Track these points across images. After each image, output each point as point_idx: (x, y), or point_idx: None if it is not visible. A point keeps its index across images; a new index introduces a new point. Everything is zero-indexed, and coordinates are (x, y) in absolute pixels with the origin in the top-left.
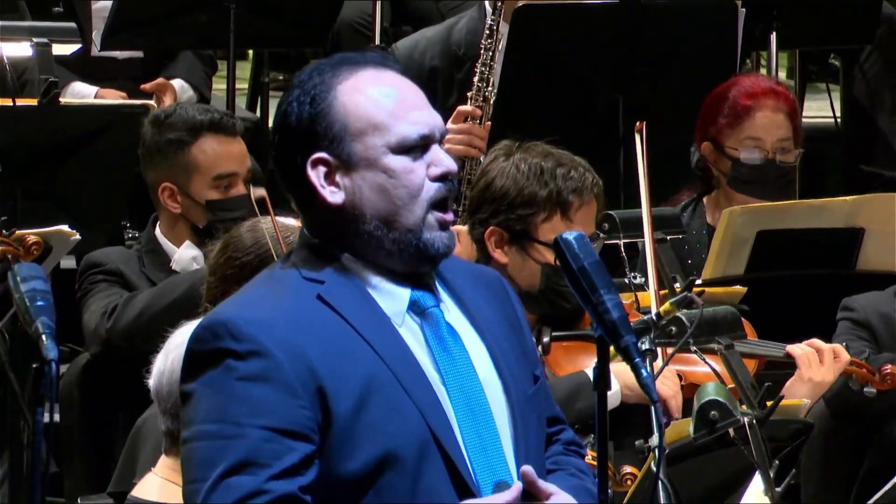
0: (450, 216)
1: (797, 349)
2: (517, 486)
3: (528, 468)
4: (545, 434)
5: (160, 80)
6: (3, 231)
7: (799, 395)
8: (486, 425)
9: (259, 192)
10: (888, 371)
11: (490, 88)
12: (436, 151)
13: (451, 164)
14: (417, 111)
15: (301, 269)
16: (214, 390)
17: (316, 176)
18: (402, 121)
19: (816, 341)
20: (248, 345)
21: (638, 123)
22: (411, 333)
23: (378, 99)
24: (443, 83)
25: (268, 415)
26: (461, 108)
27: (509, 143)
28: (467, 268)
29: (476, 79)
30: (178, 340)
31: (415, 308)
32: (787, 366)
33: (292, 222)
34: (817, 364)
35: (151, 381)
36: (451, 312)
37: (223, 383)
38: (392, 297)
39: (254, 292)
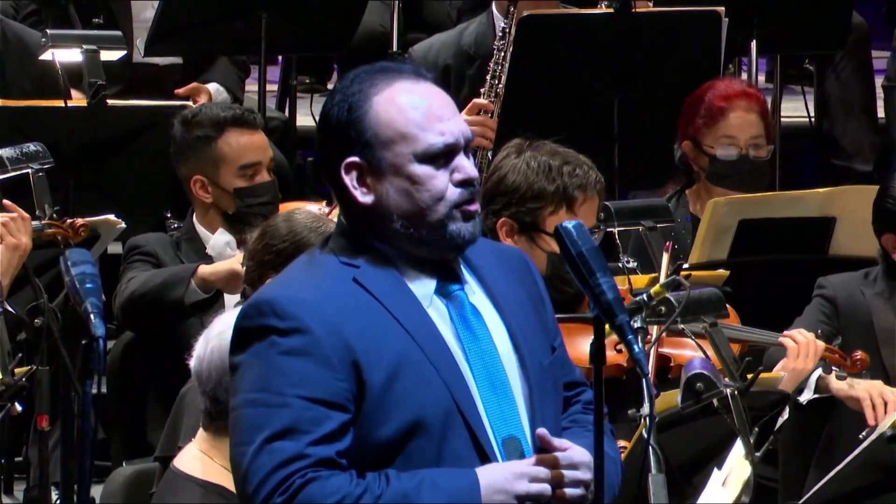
0: (474, 207)
1: (789, 342)
2: (532, 458)
3: (542, 430)
4: (561, 399)
5: (194, 84)
6: (55, 216)
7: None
8: (505, 396)
9: None
10: (858, 357)
11: (501, 85)
12: (460, 159)
13: (472, 172)
14: (444, 122)
15: (339, 255)
16: (260, 363)
17: (349, 178)
18: (429, 131)
19: (798, 335)
20: (291, 322)
21: (668, 244)
22: (438, 314)
23: (407, 111)
24: (455, 79)
25: (308, 386)
26: (477, 100)
27: (520, 140)
28: (492, 248)
29: (489, 76)
30: (218, 329)
31: (442, 291)
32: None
33: (315, 208)
34: (804, 356)
35: (193, 363)
36: (475, 294)
37: (268, 357)
38: (421, 281)
39: (296, 274)
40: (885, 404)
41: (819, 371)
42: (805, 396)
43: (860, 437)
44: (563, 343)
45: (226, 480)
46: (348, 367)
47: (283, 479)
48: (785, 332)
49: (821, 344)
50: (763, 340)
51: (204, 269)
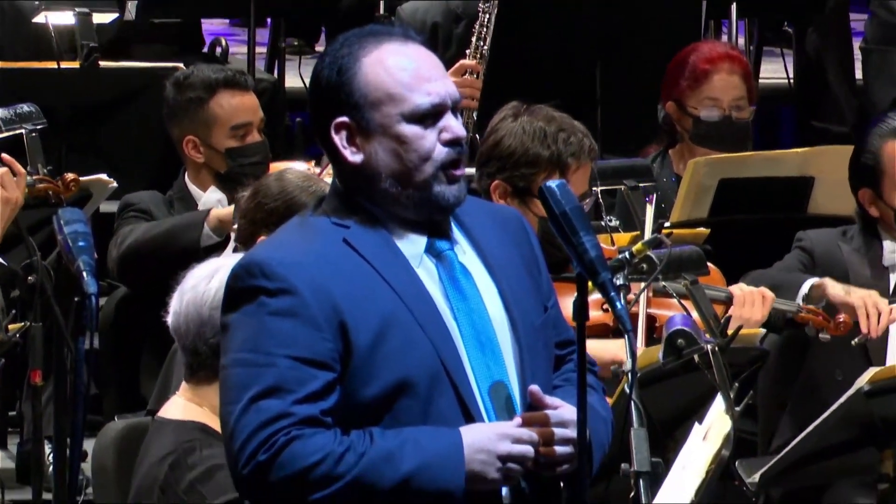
0: (459, 171)
1: (736, 290)
2: (517, 418)
3: (534, 387)
4: (552, 359)
5: None
6: (47, 175)
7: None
8: (494, 356)
9: None
10: (842, 320)
11: (486, 47)
12: (448, 119)
13: (460, 131)
14: (432, 82)
15: (330, 216)
16: (249, 323)
17: (339, 138)
18: (416, 92)
19: (744, 285)
20: (279, 283)
21: (649, 197)
22: (428, 274)
23: (395, 72)
24: (443, 37)
25: (294, 346)
26: (463, 61)
27: (517, 104)
28: (487, 209)
29: (474, 38)
30: (191, 283)
31: (431, 251)
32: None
33: (303, 166)
34: (749, 305)
35: (170, 320)
36: (466, 254)
37: (256, 317)
38: (411, 242)
39: (287, 236)
40: (879, 314)
41: (812, 281)
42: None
43: (853, 343)
44: (558, 303)
45: (209, 420)
46: (335, 327)
47: (267, 437)
48: (733, 286)
49: (769, 294)
50: (714, 297)
51: (219, 212)
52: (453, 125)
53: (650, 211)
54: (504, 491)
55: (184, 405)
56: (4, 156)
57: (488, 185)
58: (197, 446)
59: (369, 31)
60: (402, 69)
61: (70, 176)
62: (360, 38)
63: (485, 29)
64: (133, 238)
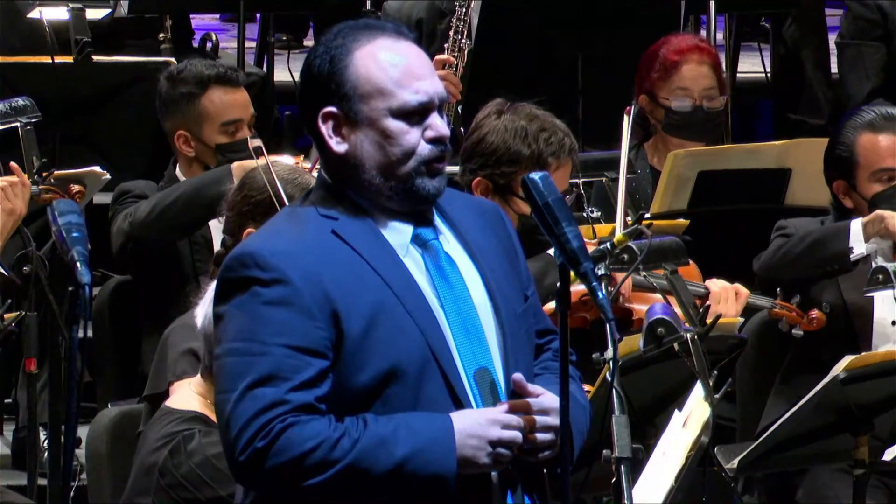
0: (441, 165)
1: (713, 286)
2: (504, 404)
3: (518, 376)
4: (533, 346)
5: None
6: (44, 173)
7: None
8: (479, 342)
9: (255, 141)
10: (814, 315)
11: (464, 40)
12: (433, 117)
13: (444, 130)
14: (420, 80)
15: (318, 207)
16: (243, 313)
17: (325, 127)
18: (405, 89)
19: (719, 281)
20: (272, 273)
21: (627, 107)
22: (414, 263)
23: (387, 67)
24: (427, 33)
25: (288, 335)
26: (438, 56)
27: (501, 101)
28: (467, 200)
29: (451, 31)
30: None
31: (417, 241)
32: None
33: (290, 160)
34: (724, 301)
35: (199, 320)
36: (450, 243)
37: (250, 307)
38: (397, 232)
39: (277, 227)
40: None
41: (859, 220)
42: (858, 251)
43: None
44: (536, 292)
45: (211, 414)
46: (328, 316)
47: (263, 424)
48: (708, 282)
49: (743, 291)
50: (692, 291)
51: (243, 163)
52: (438, 124)
53: (621, 200)
54: (493, 475)
55: (191, 397)
56: (12, 164)
57: (470, 181)
58: (196, 434)
59: (363, 25)
60: (393, 65)
61: (76, 188)
62: (353, 30)
63: (461, 23)
64: (153, 203)
